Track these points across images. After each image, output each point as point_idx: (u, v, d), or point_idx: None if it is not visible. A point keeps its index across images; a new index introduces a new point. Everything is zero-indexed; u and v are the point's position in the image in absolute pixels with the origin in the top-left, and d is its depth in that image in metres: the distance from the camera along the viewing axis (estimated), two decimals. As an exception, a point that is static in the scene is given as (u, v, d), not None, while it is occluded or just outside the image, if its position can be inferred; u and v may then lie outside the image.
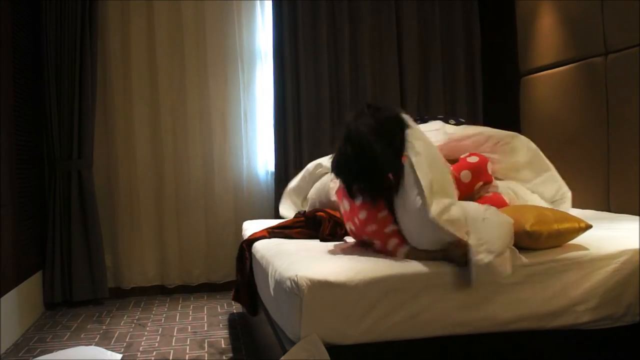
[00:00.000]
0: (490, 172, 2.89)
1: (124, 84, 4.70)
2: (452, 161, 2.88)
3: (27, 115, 4.18)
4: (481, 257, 2.09)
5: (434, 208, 2.13)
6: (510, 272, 2.13)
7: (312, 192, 3.62)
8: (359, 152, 2.25)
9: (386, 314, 2.12)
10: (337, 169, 2.38)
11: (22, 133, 4.02)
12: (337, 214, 3.19)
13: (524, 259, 2.24)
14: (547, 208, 2.57)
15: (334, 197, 3.35)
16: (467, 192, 2.78)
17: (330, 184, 3.41)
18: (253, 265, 3.13)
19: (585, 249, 2.35)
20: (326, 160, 3.62)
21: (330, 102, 4.81)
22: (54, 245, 4.33)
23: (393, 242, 2.33)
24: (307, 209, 3.62)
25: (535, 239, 2.28)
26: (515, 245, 2.28)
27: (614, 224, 2.86)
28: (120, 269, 4.70)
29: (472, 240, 2.11)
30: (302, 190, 3.81)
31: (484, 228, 2.14)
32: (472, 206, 2.28)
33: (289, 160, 4.71)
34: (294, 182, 3.89)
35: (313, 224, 3.12)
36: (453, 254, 2.18)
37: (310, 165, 3.77)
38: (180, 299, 4.58)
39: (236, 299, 3.52)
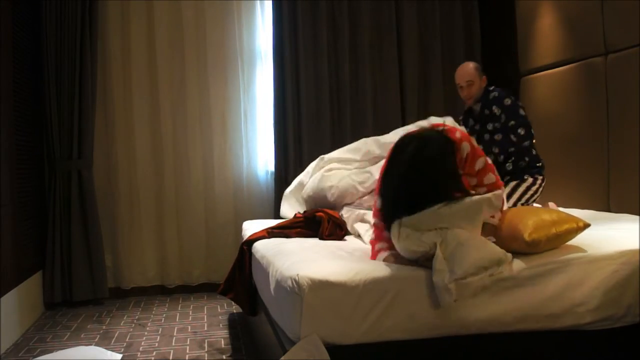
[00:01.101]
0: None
1: (124, 84, 4.70)
2: None
3: (27, 115, 4.17)
4: (439, 277, 2.11)
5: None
6: (470, 297, 2.15)
7: (307, 188, 3.59)
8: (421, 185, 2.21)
9: (386, 315, 2.12)
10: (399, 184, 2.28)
11: (22, 133, 4.02)
12: (337, 215, 3.19)
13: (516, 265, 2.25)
14: (545, 210, 2.56)
15: (325, 188, 3.41)
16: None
17: (324, 174, 3.47)
18: (253, 265, 3.13)
19: (585, 250, 2.35)
20: (332, 154, 3.65)
21: (330, 102, 4.82)
22: (54, 245, 4.33)
23: (382, 255, 2.35)
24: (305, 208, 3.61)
25: (535, 246, 2.30)
26: (515, 252, 2.29)
27: (614, 224, 2.86)
28: (120, 269, 4.70)
29: (437, 260, 2.13)
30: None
31: (456, 251, 2.15)
32: (462, 233, 2.23)
33: (289, 160, 4.71)
34: (295, 182, 3.86)
35: (312, 225, 3.12)
36: (425, 264, 2.22)
37: (313, 163, 3.76)
38: (180, 299, 4.58)
39: (224, 293, 3.49)
